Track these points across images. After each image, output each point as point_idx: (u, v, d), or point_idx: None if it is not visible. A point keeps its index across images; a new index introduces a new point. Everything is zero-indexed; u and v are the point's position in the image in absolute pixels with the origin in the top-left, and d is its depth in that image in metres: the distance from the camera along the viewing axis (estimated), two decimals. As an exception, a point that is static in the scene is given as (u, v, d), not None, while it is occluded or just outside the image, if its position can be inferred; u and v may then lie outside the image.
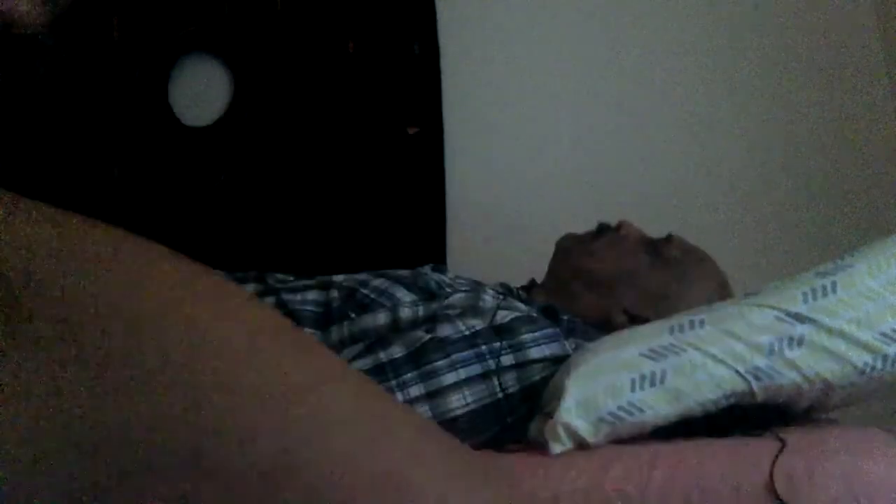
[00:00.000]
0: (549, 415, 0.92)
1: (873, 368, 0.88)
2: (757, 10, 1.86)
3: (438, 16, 1.77)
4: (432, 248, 1.72)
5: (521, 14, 1.85)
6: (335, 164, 1.73)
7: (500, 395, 0.99)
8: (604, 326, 1.16)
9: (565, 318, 1.13)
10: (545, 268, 1.36)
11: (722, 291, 1.21)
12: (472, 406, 0.98)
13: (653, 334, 0.93)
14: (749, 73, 1.86)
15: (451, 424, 0.97)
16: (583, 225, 1.31)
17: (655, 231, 1.28)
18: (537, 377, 1.00)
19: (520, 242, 1.72)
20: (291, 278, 1.25)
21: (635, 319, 1.16)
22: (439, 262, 1.68)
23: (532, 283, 1.34)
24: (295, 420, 0.35)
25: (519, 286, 1.33)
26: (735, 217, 1.81)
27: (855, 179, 1.81)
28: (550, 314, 1.12)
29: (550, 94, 1.84)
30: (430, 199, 1.73)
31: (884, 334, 0.87)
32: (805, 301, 0.90)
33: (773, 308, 0.91)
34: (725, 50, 1.86)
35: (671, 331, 0.92)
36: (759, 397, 0.89)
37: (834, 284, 0.90)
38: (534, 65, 1.84)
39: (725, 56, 1.86)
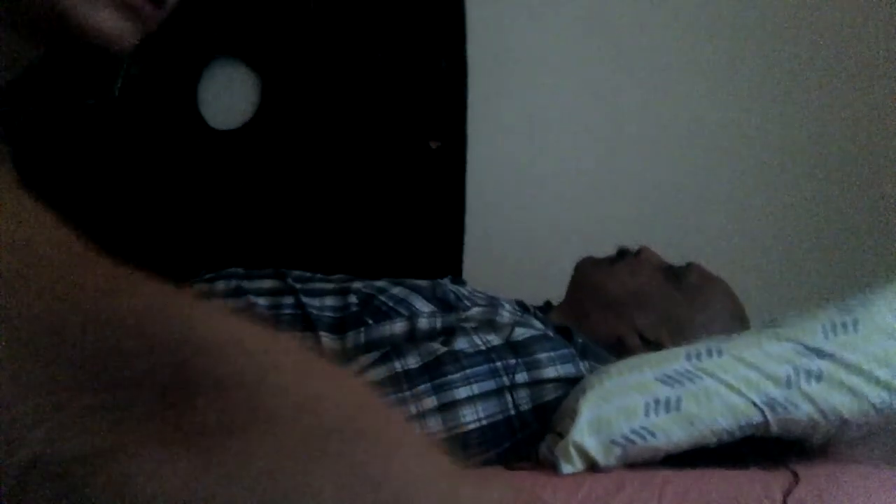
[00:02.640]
0: (561, 434, 0.92)
1: (890, 406, 0.87)
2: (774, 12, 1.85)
3: (468, 32, 1.78)
4: (449, 261, 1.72)
5: (550, 30, 1.85)
6: (357, 173, 1.74)
7: (513, 411, 0.99)
8: (617, 349, 1.16)
9: (580, 339, 1.13)
10: (562, 287, 1.36)
11: (738, 321, 1.21)
12: (484, 421, 0.98)
13: (669, 359, 0.93)
14: (779, 75, 1.84)
15: (461, 439, 0.97)
16: (603, 245, 1.31)
17: (684, 253, 1.28)
18: (550, 396, 1.00)
19: (537, 260, 1.72)
20: (308, 275, 1.26)
21: (649, 344, 1.16)
22: (456, 276, 1.69)
23: (548, 304, 1.35)
24: None
25: (535, 306, 1.33)
26: (771, 222, 1.80)
27: (859, 180, 1.79)
28: (565, 334, 1.12)
29: (576, 112, 1.84)
30: (449, 213, 1.73)
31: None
32: (825, 336, 0.90)
33: (792, 340, 0.90)
34: (751, 52, 1.85)
35: (688, 357, 0.91)
36: (774, 429, 0.89)
37: (856, 322, 0.90)
38: (560, 82, 1.84)
39: (752, 58, 1.85)
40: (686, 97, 1.86)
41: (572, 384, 1.00)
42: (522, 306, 1.27)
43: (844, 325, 0.90)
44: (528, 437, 0.99)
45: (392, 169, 1.74)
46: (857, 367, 0.87)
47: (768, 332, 0.93)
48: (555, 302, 1.35)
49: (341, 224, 1.73)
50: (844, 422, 0.88)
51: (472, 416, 0.97)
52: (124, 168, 1.69)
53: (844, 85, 1.82)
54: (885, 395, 0.87)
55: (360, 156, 1.74)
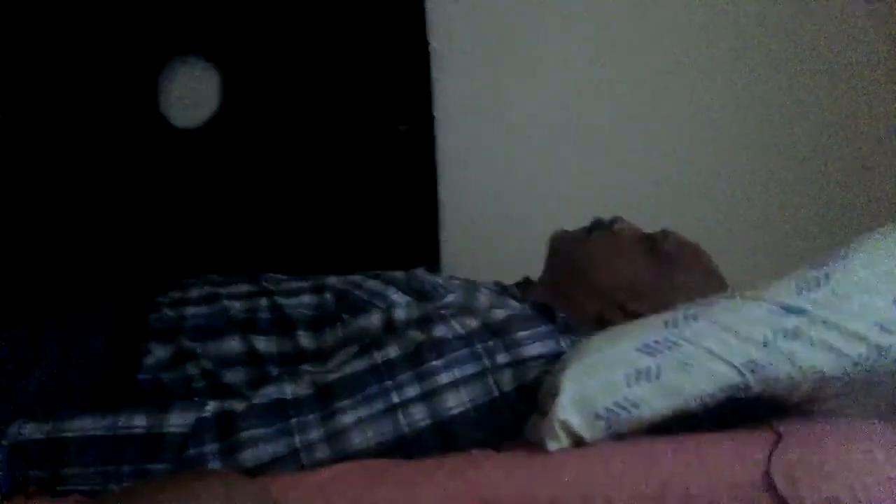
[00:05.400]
0: (546, 413, 0.92)
1: (867, 359, 0.88)
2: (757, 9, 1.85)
3: (428, 13, 1.76)
4: (425, 246, 1.71)
5: (515, 10, 1.84)
6: (325, 164, 1.73)
7: (497, 394, 0.99)
8: (599, 323, 1.16)
9: (560, 315, 1.13)
10: (540, 265, 1.36)
11: (717, 284, 1.21)
12: (469, 405, 0.98)
13: (647, 329, 0.93)
14: (742, 71, 1.85)
15: (448, 424, 0.98)
16: (577, 221, 1.30)
17: (650, 225, 1.28)
18: (533, 375, 1.00)
19: (514, 240, 1.71)
20: (283, 278, 1.26)
21: (630, 316, 1.15)
22: (432, 261, 1.68)
23: (527, 280, 1.34)
24: None
25: (514, 283, 1.33)
26: (733, 215, 1.81)
27: (856, 177, 1.81)
28: (545, 312, 1.12)
29: (544, 91, 1.83)
30: (422, 198, 1.72)
31: (878, 325, 0.87)
32: (799, 293, 0.90)
33: (768, 301, 0.91)
34: (722, 47, 1.86)
35: (665, 325, 0.92)
36: (755, 390, 0.89)
37: (827, 276, 0.90)
38: (527, 61, 1.84)
39: (722, 53, 1.86)
40: (660, 82, 1.86)
41: (554, 361, 1.00)
42: (501, 287, 1.27)
43: (817, 281, 0.91)
44: (515, 417, 0.99)
45: (361, 155, 1.72)
46: (832, 322, 0.88)
47: (744, 295, 0.93)
48: (533, 278, 1.36)
49: (312, 213, 1.72)
50: (824, 378, 0.89)
51: (456, 402, 0.98)
52: (84, 170, 1.66)
53: (845, 85, 1.82)
54: (862, 349, 0.87)
55: (327, 144, 1.73)
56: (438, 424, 0.97)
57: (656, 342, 0.90)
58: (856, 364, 0.88)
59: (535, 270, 1.36)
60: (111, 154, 1.68)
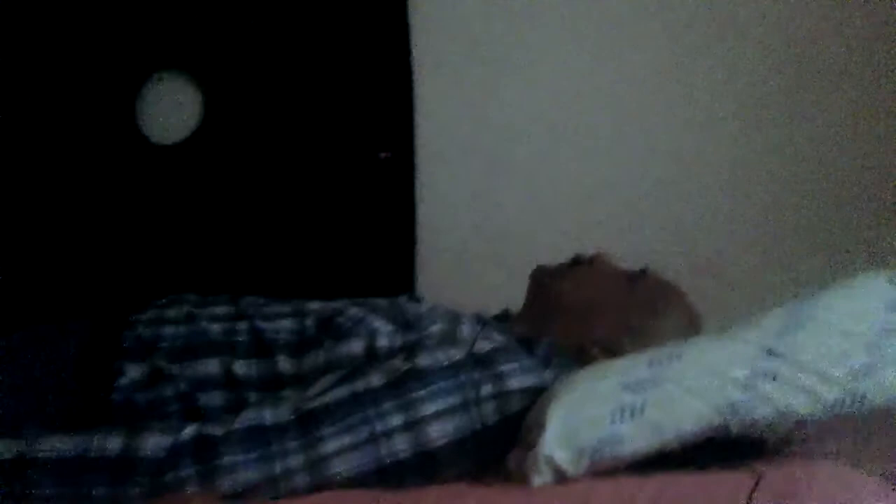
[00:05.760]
0: (529, 446, 0.93)
1: (842, 404, 0.90)
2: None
3: (413, 39, 1.77)
4: (401, 273, 1.72)
5: (498, 36, 1.86)
6: (305, 187, 1.73)
7: (480, 425, 1.00)
8: (578, 358, 1.17)
9: (540, 349, 1.14)
10: (517, 297, 1.36)
11: (693, 327, 1.24)
12: (452, 436, 0.98)
13: (632, 367, 0.95)
14: (742, 71, 1.88)
15: (429, 455, 0.98)
16: (556, 254, 1.32)
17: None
18: (516, 408, 1.01)
19: (490, 271, 1.73)
20: (264, 301, 1.25)
21: (608, 352, 1.17)
22: (407, 286, 1.68)
23: (506, 313, 1.36)
24: None
25: (493, 315, 1.34)
26: (733, 214, 1.84)
27: (856, 177, 1.85)
28: (526, 345, 1.13)
29: (530, 119, 1.85)
30: (400, 225, 1.73)
31: (851, 371, 0.90)
32: (778, 336, 0.93)
33: (748, 342, 0.93)
34: (721, 46, 1.88)
35: (650, 364, 0.94)
36: (734, 431, 0.91)
37: (805, 320, 0.93)
38: (513, 88, 1.86)
39: (722, 53, 1.88)
40: (653, 98, 1.88)
41: (537, 393, 1.01)
42: (481, 319, 1.28)
43: (796, 325, 0.93)
44: (497, 448, 1.00)
45: (341, 180, 1.73)
46: (809, 366, 0.90)
47: (726, 334, 0.96)
48: (513, 310, 1.37)
49: (290, 236, 1.71)
50: (801, 421, 0.91)
51: (439, 432, 0.98)
52: (62, 185, 1.64)
53: (845, 85, 1.86)
54: (838, 394, 0.90)
55: (307, 166, 1.73)
56: (420, 454, 0.98)
57: (641, 380, 0.92)
58: (831, 408, 0.90)
59: (511, 301, 1.36)
60: (90, 169, 1.66)
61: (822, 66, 1.88)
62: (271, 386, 1.11)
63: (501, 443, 1.00)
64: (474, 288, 1.59)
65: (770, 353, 0.91)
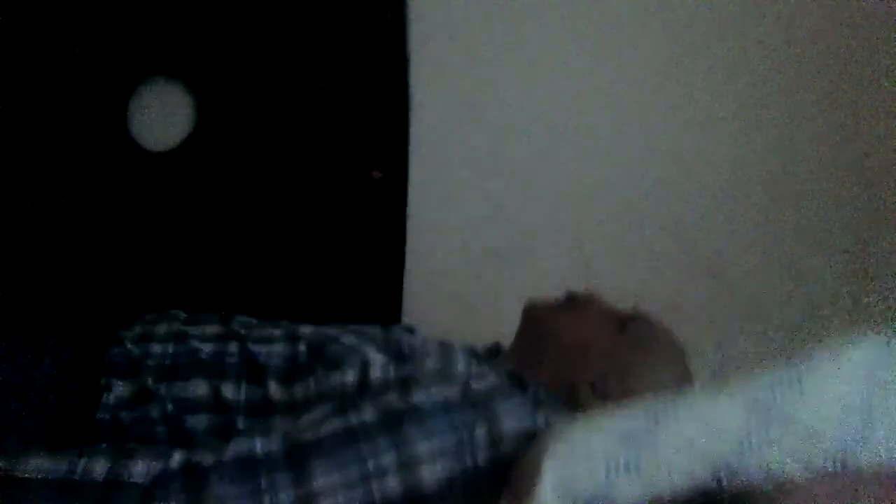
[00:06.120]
0: (521, 494, 0.92)
1: (834, 466, 0.90)
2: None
3: (411, 55, 1.73)
4: (388, 295, 1.68)
5: (496, 59, 1.82)
6: (294, 201, 1.68)
7: (472, 468, 0.99)
8: (568, 398, 1.17)
9: (533, 385, 1.13)
10: (504, 331, 1.35)
11: (684, 372, 1.24)
12: (443, 478, 0.97)
13: (629, 420, 0.94)
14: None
15: (420, 496, 0.97)
16: (547, 287, 1.29)
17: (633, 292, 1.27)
18: (508, 450, 1.00)
19: (479, 300, 1.72)
20: (255, 322, 1.23)
21: (600, 394, 1.17)
22: (394, 309, 1.66)
23: (497, 347, 1.35)
24: None
25: (485, 348, 1.33)
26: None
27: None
28: (518, 383, 1.12)
29: (525, 119, 1.82)
30: (389, 247, 1.70)
31: (846, 432, 0.89)
32: (772, 396, 0.92)
33: (744, 401, 0.92)
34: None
35: (646, 419, 0.93)
36: (727, 489, 0.91)
37: (798, 382, 0.92)
38: (510, 110, 1.83)
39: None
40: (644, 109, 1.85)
41: (530, 437, 1.00)
42: (473, 353, 1.27)
43: (791, 382, 0.93)
44: (487, 491, 0.99)
45: (332, 198, 1.69)
46: (802, 428, 0.90)
47: (721, 390, 0.95)
48: (503, 342, 1.35)
49: (280, 250, 1.68)
50: (792, 482, 0.91)
51: (431, 473, 0.97)
52: (49, 191, 1.59)
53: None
54: (829, 455, 0.90)
55: (298, 182, 1.69)
56: (411, 495, 0.97)
57: (636, 435, 0.91)
58: (822, 469, 0.90)
59: (497, 334, 1.35)
60: (79, 175, 1.62)
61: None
62: (260, 412, 1.09)
63: (492, 484, 0.99)
64: (462, 317, 1.58)
65: (764, 413, 0.91)
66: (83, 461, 0.95)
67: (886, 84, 1.84)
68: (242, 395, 1.10)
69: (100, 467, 0.94)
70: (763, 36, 1.87)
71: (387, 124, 1.71)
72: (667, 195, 1.82)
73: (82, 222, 1.62)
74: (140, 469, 0.94)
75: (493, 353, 1.31)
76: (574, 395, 1.17)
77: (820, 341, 0.97)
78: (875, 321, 1.66)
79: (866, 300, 1.74)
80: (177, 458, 0.96)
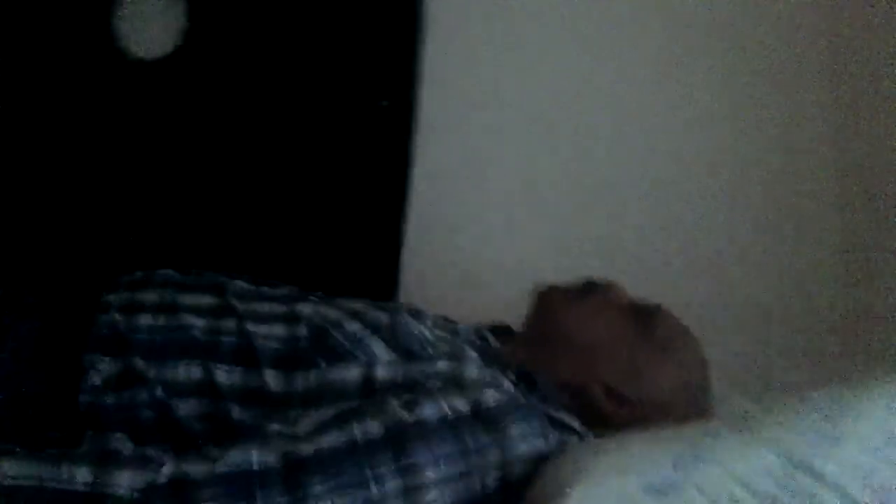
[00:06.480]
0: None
1: None
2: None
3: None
4: (385, 255, 1.58)
5: (496, 36, 1.77)
6: (289, 125, 1.52)
7: (480, 493, 0.94)
8: (580, 397, 1.13)
9: (543, 391, 1.08)
10: (502, 308, 1.31)
11: (704, 381, 1.20)
12: (450, 503, 0.93)
13: (656, 465, 0.90)
14: (743, 71, 1.84)
15: None
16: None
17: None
18: (519, 474, 0.96)
19: (482, 274, 1.68)
20: (251, 291, 1.16)
21: (613, 397, 1.14)
22: (392, 267, 1.57)
23: (505, 328, 1.29)
24: None
25: (491, 327, 1.27)
26: (732, 214, 1.82)
27: (857, 178, 1.82)
28: (526, 379, 1.08)
29: (525, 119, 1.77)
30: (390, 192, 1.54)
31: (877, 489, 0.86)
32: (809, 448, 0.88)
33: (776, 451, 0.89)
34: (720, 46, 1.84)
35: (675, 466, 0.88)
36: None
37: (841, 435, 0.89)
38: (508, 87, 1.77)
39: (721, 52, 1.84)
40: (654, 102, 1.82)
41: (541, 461, 0.96)
42: (480, 335, 1.21)
43: (828, 438, 0.89)
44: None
45: (334, 128, 1.52)
46: (835, 484, 0.87)
47: (752, 439, 0.91)
48: (505, 322, 1.31)
49: (276, 191, 1.53)
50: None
51: (436, 499, 0.92)
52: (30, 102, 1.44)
53: (846, 86, 1.82)
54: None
55: (295, 103, 1.53)
56: None
57: (665, 484, 0.87)
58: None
59: (496, 311, 1.32)
60: (56, 83, 1.45)
61: (822, 65, 1.85)
62: (256, 400, 1.03)
63: (499, 509, 0.96)
64: (463, 293, 1.55)
65: (800, 467, 0.87)
66: (65, 469, 0.88)
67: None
68: (237, 381, 1.04)
69: (82, 477, 0.87)
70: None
71: (395, 53, 1.54)
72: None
73: (61, 162, 1.44)
74: (124, 481, 0.87)
75: (499, 334, 1.24)
76: (585, 397, 1.13)
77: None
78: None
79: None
80: (165, 471, 0.88)
